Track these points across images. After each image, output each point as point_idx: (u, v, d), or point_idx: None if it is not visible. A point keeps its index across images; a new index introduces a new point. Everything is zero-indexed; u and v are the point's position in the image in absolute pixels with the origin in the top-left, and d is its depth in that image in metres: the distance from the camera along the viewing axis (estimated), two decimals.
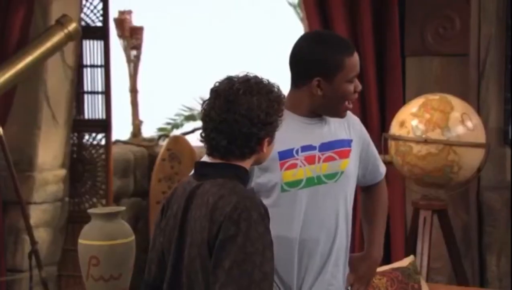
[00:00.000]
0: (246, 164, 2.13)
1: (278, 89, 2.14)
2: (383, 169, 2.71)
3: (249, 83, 2.09)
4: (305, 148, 2.44)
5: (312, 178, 2.43)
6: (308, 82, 2.41)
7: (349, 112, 2.56)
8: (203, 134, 2.13)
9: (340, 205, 2.48)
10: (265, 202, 2.36)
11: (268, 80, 2.13)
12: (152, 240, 2.23)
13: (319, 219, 2.44)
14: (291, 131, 2.40)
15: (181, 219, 2.11)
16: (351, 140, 2.53)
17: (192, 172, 2.22)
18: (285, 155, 2.41)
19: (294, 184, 2.42)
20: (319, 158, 2.45)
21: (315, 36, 2.54)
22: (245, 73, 2.13)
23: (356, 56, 2.43)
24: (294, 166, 2.41)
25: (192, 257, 2.05)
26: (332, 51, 2.41)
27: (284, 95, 2.16)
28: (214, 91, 2.11)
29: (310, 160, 2.44)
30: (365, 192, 2.73)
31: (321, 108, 2.45)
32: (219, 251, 1.97)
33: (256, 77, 2.12)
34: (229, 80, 2.11)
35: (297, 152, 2.42)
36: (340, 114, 2.47)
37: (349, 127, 2.55)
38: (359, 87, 2.44)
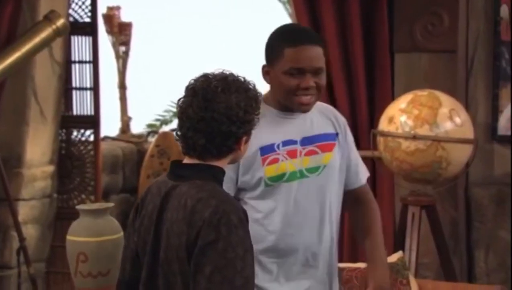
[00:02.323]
0: (223, 162, 2.10)
1: (254, 87, 2.12)
2: (364, 175, 2.65)
3: (226, 81, 2.06)
4: (286, 143, 2.43)
5: (294, 172, 2.43)
6: (262, 70, 2.43)
7: (337, 112, 2.58)
8: (178, 133, 2.09)
9: (325, 197, 2.47)
10: (251, 194, 2.38)
11: (244, 78, 2.11)
12: (126, 239, 2.21)
13: (303, 211, 2.44)
14: (271, 126, 2.40)
15: (156, 219, 2.08)
16: (337, 134, 2.52)
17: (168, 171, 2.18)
18: (266, 150, 2.40)
19: (278, 178, 2.42)
20: (301, 152, 2.44)
21: (279, 26, 2.51)
22: (220, 70, 2.10)
23: (303, 50, 2.36)
24: (276, 160, 2.41)
25: (169, 260, 2.02)
26: (275, 38, 2.41)
27: (260, 93, 2.14)
28: (191, 89, 2.07)
29: (292, 154, 2.43)
30: (352, 204, 2.66)
31: (280, 100, 2.43)
32: (199, 257, 1.94)
33: (232, 74, 2.10)
34: (206, 77, 2.08)
35: (278, 146, 2.42)
36: (294, 107, 2.42)
37: (335, 123, 2.54)
38: (304, 83, 2.36)
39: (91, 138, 5.09)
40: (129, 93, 6.57)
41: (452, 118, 3.82)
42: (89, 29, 5.04)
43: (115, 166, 5.66)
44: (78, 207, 2.67)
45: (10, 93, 4.68)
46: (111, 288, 2.49)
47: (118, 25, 6.31)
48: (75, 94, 5.10)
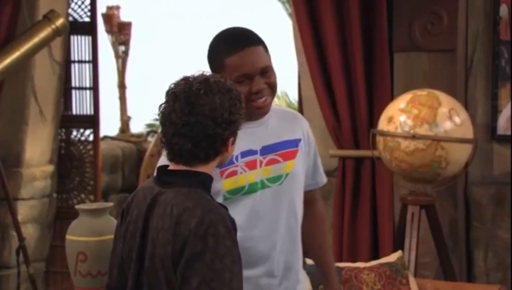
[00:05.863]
0: (210, 167, 2.05)
1: (235, 86, 2.07)
2: (321, 178, 2.59)
3: (208, 82, 2.01)
4: (245, 153, 2.34)
5: (255, 183, 2.35)
6: None
7: (298, 114, 2.52)
8: (163, 140, 2.04)
9: (290, 206, 2.40)
10: None
11: (225, 79, 2.07)
12: (113, 244, 2.17)
13: (266, 223, 2.36)
14: None
15: (142, 227, 2.03)
16: (299, 140, 2.45)
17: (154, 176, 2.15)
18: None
19: (236, 191, 2.33)
20: (261, 162, 2.36)
21: (216, 35, 2.38)
22: (200, 72, 2.05)
23: (243, 56, 2.27)
24: (234, 173, 2.32)
25: (154, 268, 1.98)
26: (213, 50, 2.33)
27: (241, 93, 2.08)
28: (172, 93, 2.01)
29: (251, 165, 2.35)
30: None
31: None
32: (186, 268, 1.89)
33: (213, 75, 2.05)
34: (186, 80, 2.02)
35: (236, 158, 2.32)
36: (252, 113, 2.32)
37: (297, 127, 2.47)
38: (255, 88, 2.28)
39: (91, 138, 5.10)
40: (128, 92, 6.58)
41: (451, 118, 3.82)
42: (89, 29, 5.05)
43: (115, 166, 5.67)
44: (77, 206, 2.67)
45: (10, 92, 4.68)
46: None
47: (117, 24, 6.33)
48: (74, 94, 5.11)
